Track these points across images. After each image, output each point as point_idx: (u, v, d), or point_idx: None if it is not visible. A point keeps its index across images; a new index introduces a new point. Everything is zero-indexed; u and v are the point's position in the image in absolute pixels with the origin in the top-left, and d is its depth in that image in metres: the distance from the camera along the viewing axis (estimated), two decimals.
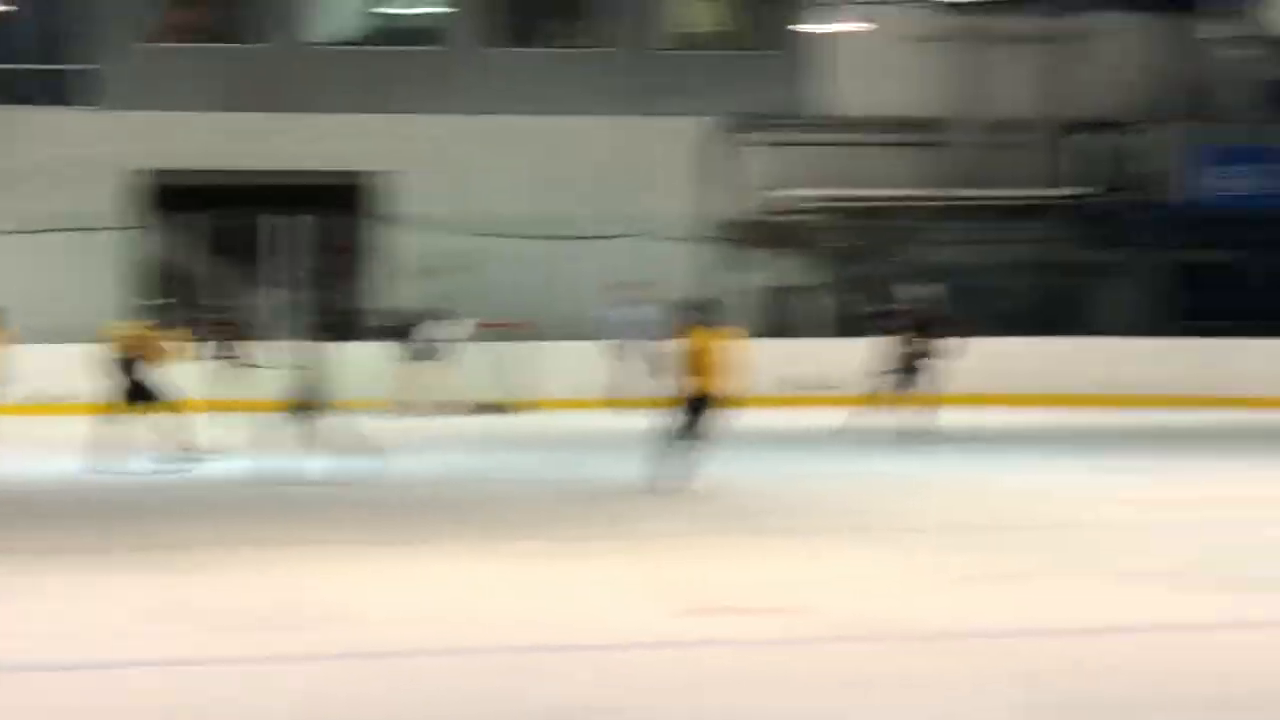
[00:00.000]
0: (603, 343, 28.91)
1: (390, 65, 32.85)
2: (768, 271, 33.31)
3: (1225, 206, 32.75)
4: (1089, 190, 33.86)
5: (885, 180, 33.47)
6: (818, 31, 33.22)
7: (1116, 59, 34.17)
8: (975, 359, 24.51)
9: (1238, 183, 33.04)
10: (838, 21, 33.20)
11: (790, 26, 33.39)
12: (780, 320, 33.33)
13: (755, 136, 33.32)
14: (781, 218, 33.47)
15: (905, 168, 34.03)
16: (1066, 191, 33.92)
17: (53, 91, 32.41)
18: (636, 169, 32.19)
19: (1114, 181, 34.00)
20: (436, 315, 28.92)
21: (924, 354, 23.18)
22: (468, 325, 28.99)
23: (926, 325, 23.38)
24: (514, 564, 14.15)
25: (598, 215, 31.12)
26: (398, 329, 28.49)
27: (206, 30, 33.86)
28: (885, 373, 23.06)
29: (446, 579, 13.14)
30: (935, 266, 30.36)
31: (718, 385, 17.58)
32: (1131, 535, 16.13)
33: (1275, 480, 20.19)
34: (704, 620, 11.24)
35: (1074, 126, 34.33)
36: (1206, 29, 33.96)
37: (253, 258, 30.51)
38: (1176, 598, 11.96)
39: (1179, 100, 34.62)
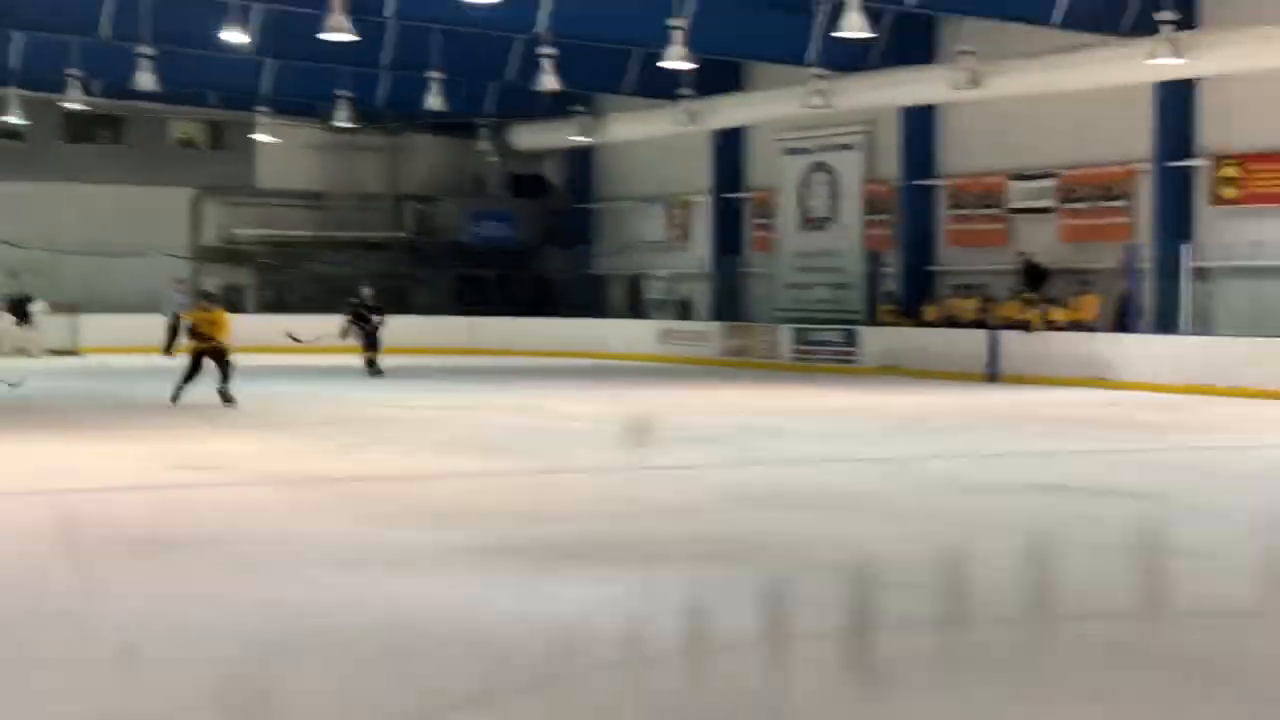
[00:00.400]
0: (164, 311, 35.26)
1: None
2: (228, 277, 42.83)
3: (484, 242, 44.71)
4: (412, 233, 45.32)
5: (296, 226, 44.23)
6: (258, 138, 42.55)
7: (430, 159, 46.10)
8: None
9: (491, 230, 45.12)
10: (268, 133, 42.06)
11: (245, 135, 43.05)
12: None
13: (221, 199, 43.68)
14: (235, 246, 43.62)
15: (307, 219, 44.66)
16: (400, 234, 45.27)
17: None
18: (154, 215, 41.85)
19: (424, 228, 45.51)
20: (28, 298, 36.03)
21: (371, 324, 28.98)
22: (44, 304, 36.01)
23: (373, 308, 29.44)
24: (66, 443, 17.52)
25: (130, 241, 40.10)
26: (8, 304, 34.98)
27: None
28: (349, 334, 29.03)
29: (20, 451, 16.45)
30: (327, 276, 41.97)
31: (216, 341, 21.42)
32: (429, 424, 20.45)
33: (538, 395, 25.50)
34: (184, 473, 14.79)
35: (404, 197, 45.51)
36: (480, 144, 43.74)
37: None
38: (452, 459, 15.98)
39: (464, 182, 46.58)
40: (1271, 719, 6.57)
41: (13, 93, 37.25)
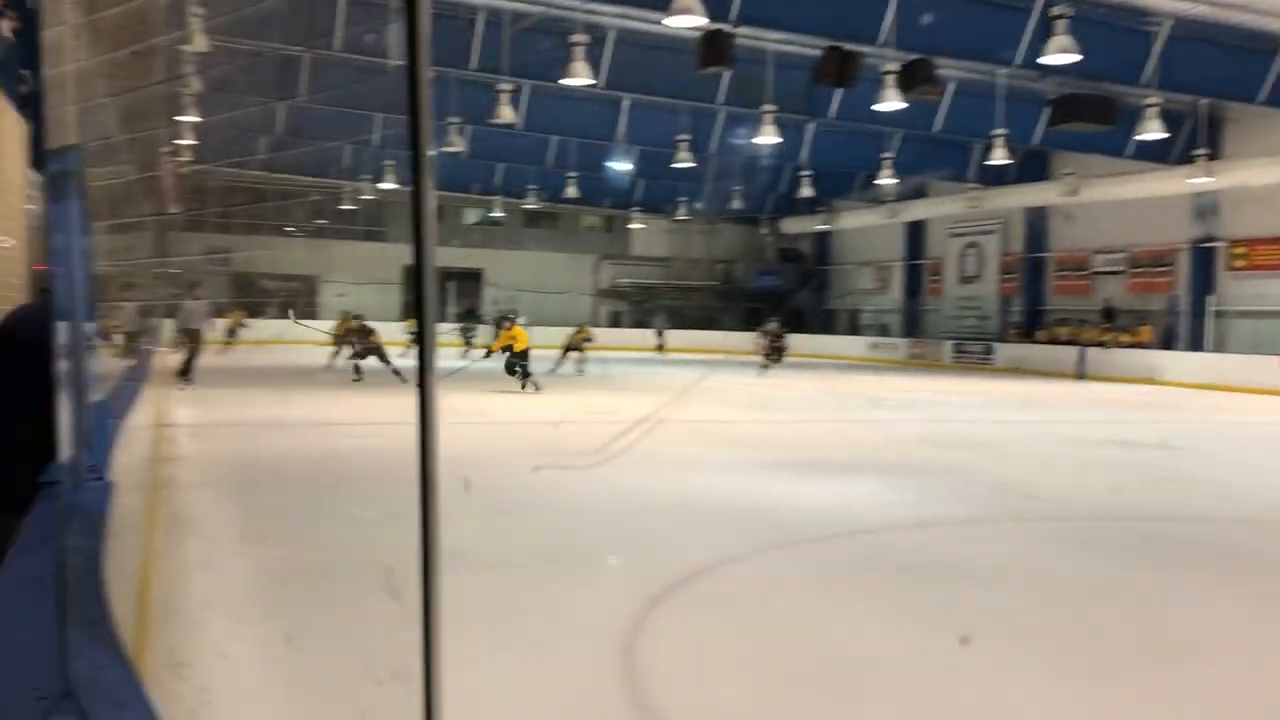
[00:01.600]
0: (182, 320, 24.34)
1: None
2: (615, 306, 43.45)
3: (763, 289, 43.64)
4: (720, 283, 44.34)
5: (653, 277, 43.96)
6: (633, 226, 41.54)
7: (732, 238, 44.63)
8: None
9: (767, 282, 43.90)
10: (638, 223, 41.92)
11: (625, 224, 41.91)
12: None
13: (610, 261, 43.09)
14: (618, 288, 43.30)
15: (660, 273, 44.37)
16: (713, 283, 44.16)
17: None
18: (573, 270, 42.24)
19: (727, 280, 44.65)
20: (513, 314, 33.51)
21: (780, 344, 25.82)
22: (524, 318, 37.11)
23: (779, 334, 26.20)
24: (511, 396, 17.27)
25: (559, 285, 40.59)
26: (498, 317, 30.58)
27: None
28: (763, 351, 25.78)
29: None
30: (671, 307, 42.27)
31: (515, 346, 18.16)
32: (732, 391, 21.83)
33: None
34: (591, 414, 15.46)
35: (716, 261, 44.71)
36: (762, 229, 43.48)
37: None
38: (749, 413, 18.78)
39: (751, 253, 44.93)
40: (1232, 574, 6.42)
41: (499, 199, 38.27)
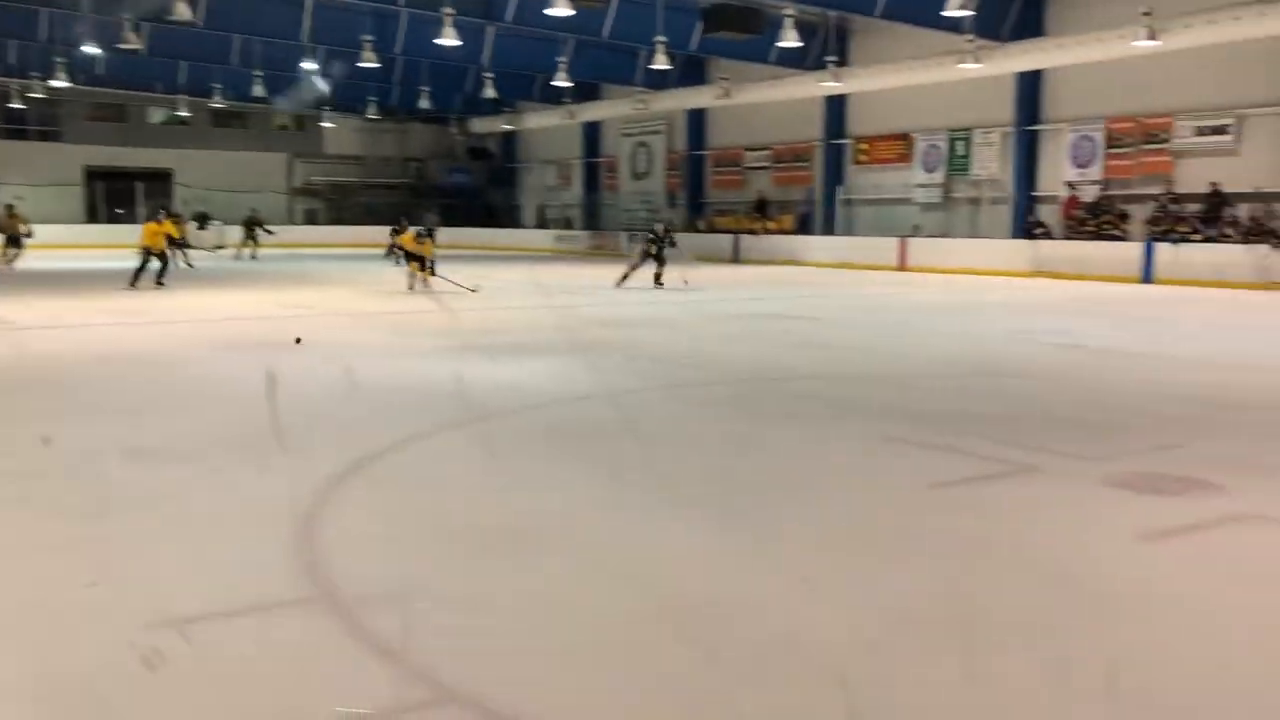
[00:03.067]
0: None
1: None
2: (309, 205, 41.61)
3: (454, 186, 43.11)
4: (413, 180, 43.06)
5: (347, 175, 42.49)
6: (324, 125, 40.00)
7: (423, 137, 42.99)
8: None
9: (458, 179, 43.16)
10: (330, 122, 40.03)
11: (317, 123, 40.20)
12: None
13: (303, 160, 41.65)
14: (312, 187, 41.56)
15: (353, 171, 42.95)
16: (406, 180, 42.67)
17: None
18: (264, 170, 40.09)
19: (420, 178, 43.07)
20: (206, 215, 32.03)
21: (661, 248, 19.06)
22: (218, 221, 32.06)
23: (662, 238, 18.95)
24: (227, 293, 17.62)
25: (250, 184, 37.49)
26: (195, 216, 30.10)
27: None
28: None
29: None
30: (364, 204, 41.67)
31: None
32: (431, 286, 20.78)
33: None
34: (281, 309, 15.11)
35: (408, 159, 43.14)
36: (451, 129, 41.88)
37: None
38: (433, 301, 16.39)
39: (442, 151, 43.88)
40: (848, 424, 6.92)
41: (184, 98, 36.12)
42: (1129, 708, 2.82)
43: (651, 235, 18.87)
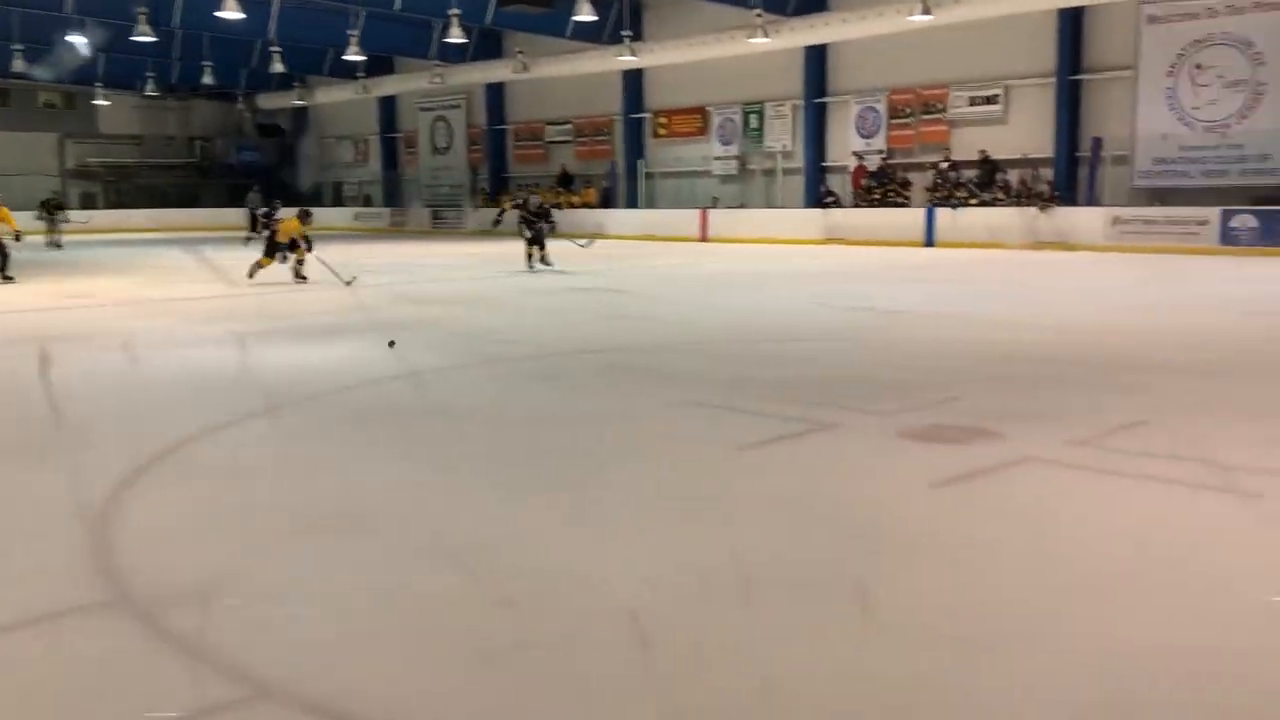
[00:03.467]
0: None
1: None
2: (85, 189, 38.92)
3: (244, 164, 40.66)
4: (199, 159, 41.59)
5: (126, 156, 40.25)
6: (98, 102, 37.29)
7: (207, 114, 41.32)
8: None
9: (248, 156, 41.73)
10: (104, 99, 37.14)
11: (90, 100, 37.54)
12: None
13: (76, 140, 39.14)
14: (88, 169, 39.23)
15: (133, 151, 40.42)
16: (192, 160, 41.32)
17: None
18: (32, 152, 37.48)
19: (206, 157, 41.60)
20: None
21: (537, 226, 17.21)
22: None
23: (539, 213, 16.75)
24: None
25: (17, 167, 35.20)
26: None
27: None
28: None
29: None
30: (145, 185, 39.50)
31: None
32: (222, 269, 20.12)
33: None
34: (68, 300, 15.09)
35: (193, 138, 41.32)
36: (238, 106, 40.20)
37: None
38: (217, 286, 16.80)
39: (229, 129, 41.93)
40: (656, 391, 7.03)
41: None
42: (927, 641, 2.97)
43: (525, 215, 17.51)
